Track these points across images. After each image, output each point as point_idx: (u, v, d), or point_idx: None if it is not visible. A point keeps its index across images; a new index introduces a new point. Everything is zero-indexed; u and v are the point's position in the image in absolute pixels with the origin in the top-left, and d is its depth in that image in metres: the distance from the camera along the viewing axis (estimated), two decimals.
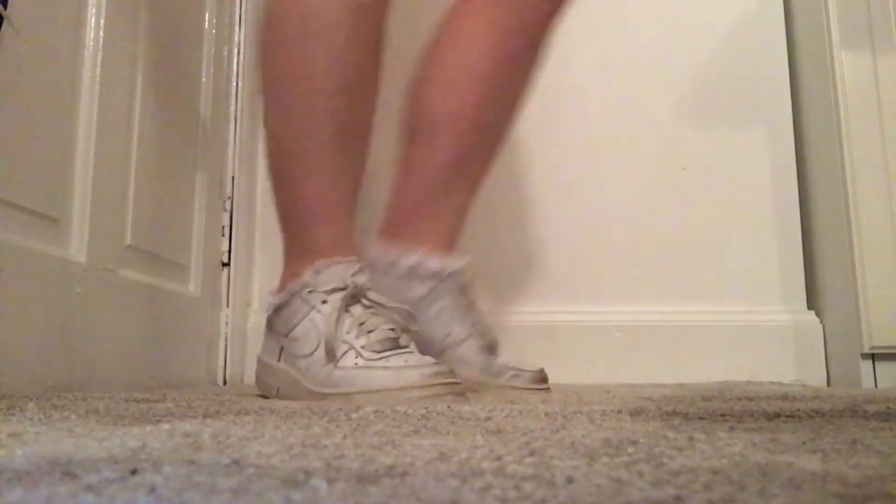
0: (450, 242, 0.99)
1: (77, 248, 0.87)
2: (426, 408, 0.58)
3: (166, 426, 0.43)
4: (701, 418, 0.51)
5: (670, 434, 0.40)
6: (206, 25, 1.26)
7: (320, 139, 0.85)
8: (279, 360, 0.84)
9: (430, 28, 1.05)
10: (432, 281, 0.95)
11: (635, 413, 0.53)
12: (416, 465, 0.30)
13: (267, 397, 0.83)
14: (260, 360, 0.88)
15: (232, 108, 1.34)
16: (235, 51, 1.36)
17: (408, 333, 0.83)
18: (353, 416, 0.51)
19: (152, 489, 0.25)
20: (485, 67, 0.97)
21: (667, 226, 1.38)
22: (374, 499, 0.24)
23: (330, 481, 0.26)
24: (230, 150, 1.33)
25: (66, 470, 0.28)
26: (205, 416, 0.51)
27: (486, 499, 0.24)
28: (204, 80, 1.25)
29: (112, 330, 0.93)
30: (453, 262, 0.97)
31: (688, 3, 1.45)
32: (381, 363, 0.77)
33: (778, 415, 0.52)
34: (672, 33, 1.44)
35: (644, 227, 1.39)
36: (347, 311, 0.81)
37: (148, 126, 1.04)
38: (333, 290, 0.81)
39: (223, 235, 1.30)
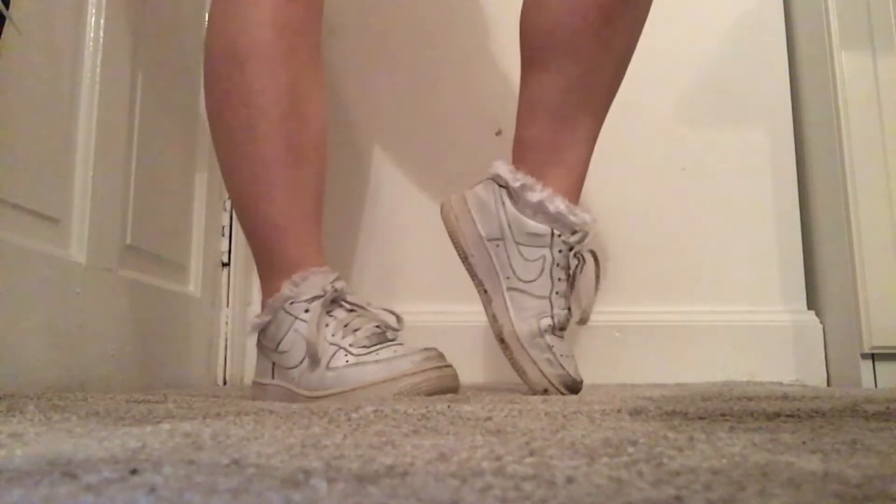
0: (577, 184, 0.91)
1: (77, 248, 0.87)
2: (426, 407, 0.58)
3: (166, 426, 0.43)
4: (701, 418, 0.51)
5: (670, 434, 0.40)
6: (207, 25, 1.26)
7: (269, 162, 0.85)
8: (273, 378, 0.84)
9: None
10: (552, 224, 0.87)
11: (635, 413, 0.53)
12: (416, 465, 0.30)
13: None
14: (254, 384, 0.88)
15: None
16: None
17: (393, 332, 0.84)
18: (353, 416, 0.52)
19: (152, 489, 0.25)
20: None
21: (667, 226, 1.38)
22: (374, 499, 0.24)
23: (330, 481, 0.26)
24: None
25: (66, 470, 0.28)
26: (205, 417, 0.51)
27: (486, 499, 0.24)
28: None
29: (112, 330, 0.93)
30: (580, 216, 0.88)
31: (688, 4, 1.45)
32: (371, 357, 0.78)
33: (778, 415, 0.52)
34: (672, 33, 1.44)
35: (644, 228, 1.39)
36: (330, 315, 0.82)
37: (148, 126, 1.04)
38: (314, 298, 0.82)
39: (223, 235, 1.30)
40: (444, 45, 1.46)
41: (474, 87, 1.43)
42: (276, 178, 0.85)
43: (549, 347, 0.84)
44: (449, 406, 0.59)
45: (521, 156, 0.91)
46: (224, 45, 0.87)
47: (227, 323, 1.29)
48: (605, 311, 1.36)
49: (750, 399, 0.70)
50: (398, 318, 0.86)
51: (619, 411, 0.55)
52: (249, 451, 0.34)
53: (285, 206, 0.86)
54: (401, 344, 0.81)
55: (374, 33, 1.45)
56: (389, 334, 0.82)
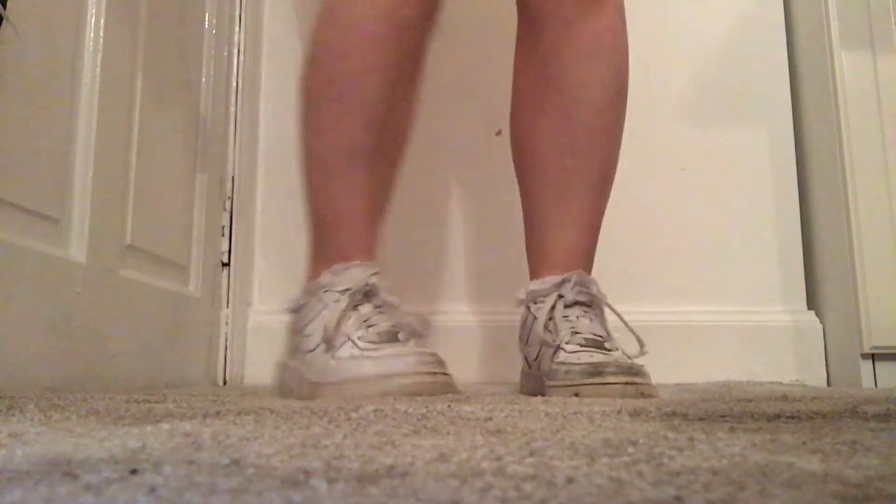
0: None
1: (77, 248, 0.87)
2: (426, 407, 0.58)
3: (166, 426, 0.43)
4: (701, 419, 0.51)
5: (670, 434, 0.40)
6: (206, 25, 1.26)
7: (348, 156, 0.88)
8: (294, 358, 0.87)
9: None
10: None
11: (635, 413, 0.53)
12: (416, 466, 0.30)
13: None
14: (278, 363, 0.91)
15: (232, 108, 1.34)
16: (235, 51, 1.36)
17: (421, 338, 0.85)
18: (353, 415, 0.52)
19: (152, 489, 0.25)
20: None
21: (667, 226, 1.38)
22: (374, 499, 0.24)
23: (330, 481, 0.26)
24: (230, 150, 1.33)
25: (66, 470, 0.28)
26: (205, 416, 0.51)
27: (486, 499, 0.24)
28: (204, 80, 1.25)
29: (112, 330, 0.93)
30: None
31: (688, 4, 1.45)
32: (373, 353, 0.79)
33: (778, 415, 0.52)
34: (672, 33, 1.44)
35: (644, 228, 1.39)
36: (357, 308, 0.83)
37: (148, 126, 1.04)
38: (346, 290, 0.84)
39: (223, 235, 1.30)
40: (445, 45, 1.46)
41: (474, 87, 1.43)
42: (350, 173, 0.88)
43: None
44: (449, 406, 0.59)
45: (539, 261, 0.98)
46: (340, 35, 0.88)
47: (227, 323, 1.29)
48: (605, 312, 1.36)
49: (750, 399, 0.70)
50: (425, 323, 0.88)
51: (619, 412, 0.55)
52: (249, 451, 0.34)
53: (351, 200, 0.88)
54: (407, 346, 0.82)
55: None
56: (402, 335, 0.83)
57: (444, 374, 0.80)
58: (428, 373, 0.78)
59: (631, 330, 0.93)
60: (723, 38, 1.43)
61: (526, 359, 0.96)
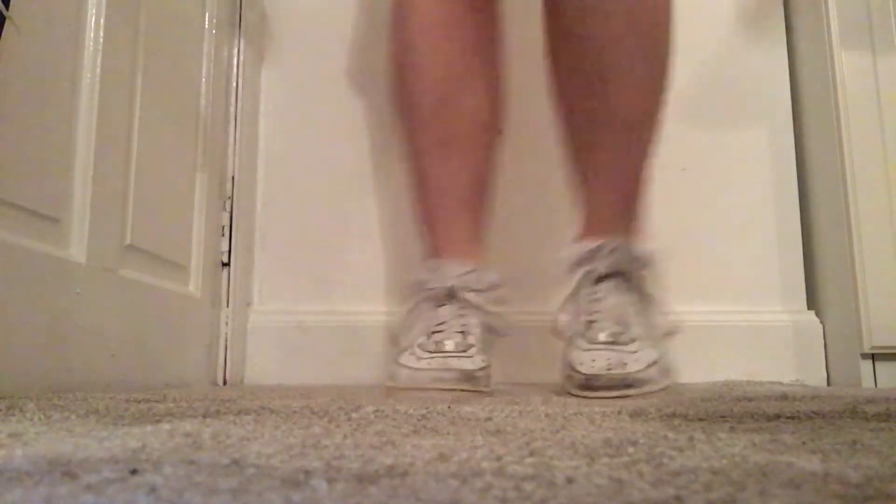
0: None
1: (77, 248, 0.87)
2: (426, 408, 0.58)
3: (166, 426, 0.43)
4: (701, 419, 0.51)
5: (670, 434, 0.40)
6: (206, 25, 1.26)
7: (421, 153, 0.92)
8: None
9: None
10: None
11: (635, 413, 0.53)
12: (416, 466, 0.30)
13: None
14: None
15: (232, 108, 1.34)
16: (235, 51, 1.36)
17: (501, 337, 0.87)
18: (353, 415, 0.52)
19: (152, 489, 0.25)
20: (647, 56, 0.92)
21: (667, 226, 1.38)
22: (374, 499, 0.24)
23: (330, 481, 0.26)
24: (230, 150, 1.33)
25: (66, 470, 0.28)
26: (205, 416, 0.51)
27: (486, 499, 0.24)
28: (204, 80, 1.25)
29: (112, 330, 0.93)
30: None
31: (688, 3, 1.45)
32: (424, 363, 0.82)
33: (778, 415, 0.52)
34: None
35: (644, 227, 1.38)
36: (436, 311, 0.86)
37: (148, 126, 1.04)
38: (433, 289, 0.88)
39: (223, 235, 1.30)
40: None
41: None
42: (427, 169, 0.91)
43: None
44: (449, 406, 0.59)
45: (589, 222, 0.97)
46: (392, 44, 0.93)
47: (227, 323, 1.29)
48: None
49: (750, 399, 0.70)
50: (507, 324, 0.90)
51: (619, 412, 0.55)
52: (249, 451, 0.34)
53: (434, 196, 0.92)
54: (442, 357, 0.84)
55: (373, 32, 1.45)
56: (451, 344, 0.85)
57: (479, 391, 0.82)
58: (468, 390, 0.81)
59: (662, 317, 0.92)
60: (723, 37, 1.43)
61: None
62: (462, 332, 0.84)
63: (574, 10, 0.89)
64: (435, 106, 0.90)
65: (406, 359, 0.83)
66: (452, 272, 0.87)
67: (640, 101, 0.93)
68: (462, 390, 0.80)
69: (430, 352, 0.83)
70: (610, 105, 0.91)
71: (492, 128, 0.95)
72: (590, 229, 0.92)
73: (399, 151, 0.98)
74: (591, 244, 0.89)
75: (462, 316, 0.85)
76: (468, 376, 0.81)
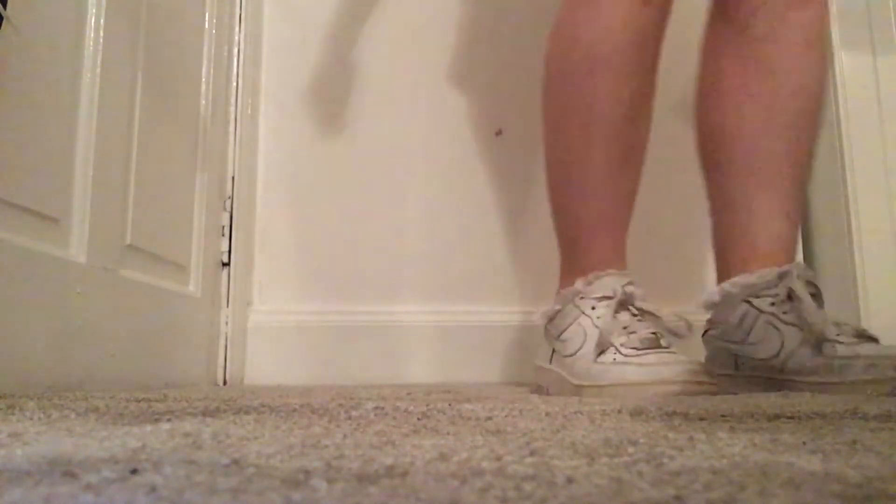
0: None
1: (77, 248, 0.87)
2: (426, 406, 0.58)
3: (166, 426, 0.43)
4: (701, 418, 0.51)
5: (670, 434, 0.40)
6: (206, 25, 1.26)
7: (598, 167, 0.90)
8: (550, 363, 0.92)
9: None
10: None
11: (635, 413, 0.53)
12: (416, 465, 0.30)
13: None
14: (538, 367, 0.96)
15: (232, 108, 1.34)
16: (235, 51, 1.36)
17: (679, 339, 0.88)
18: (354, 414, 0.52)
19: (152, 489, 0.25)
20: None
21: (667, 226, 1.38)
22: (374, 499, 0.24)
23: (330, 481, 0.26)
24: (230, 150, 1.33)
25: (66, 470, 0.28)
26: (205, 416, 0.51)
27: (486, 499, 0.24)
28: (204, 80, 1.25)
29: (112, 330, 0.93)
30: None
31: (688, 3, 1.45)
32: (636, 360, 0.82)
33: (778, 415, 0.52)
34: (672, 33, 1.43)
35: (643, 227, 1.38)
36: (614, 317, 0.86)
37: (148, 126, 1.04)
38: (603, 298, 0.87)
39: (223, 235, 1.30)
40: (445, 45, 1.46)
41: (474, 87, 1.43)
42: (602, 182, 0.90)
43: None
44: (449, 405, 0.59)
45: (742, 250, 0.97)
46: (583, 48, 0.89)
47: (227, 323, 1.29)
48: None
49: (750, 399, 0.70)
50: (688, 326, 0.90)
51: (619, 411, 0.55)
52: (249, 450, 0.34)
53: (602, 209, 0.91)
54: (673, 353, 0.83)
55: (373, 32, 1.45)
56: (664, 341, 0.85)
57: (711, 383, 0.81)
58: (695, 382, 0.79)
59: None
60: None
61: (734, 358, 0.95)
62: (654, 334, 0.85)
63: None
64: (630, 119, 0.90)
65: (608, 357, 0.83)
66: (616, 283, 0.88)
67: (818, 139, 0.97)
68: (699, 383, 0.79)
69: (639, 349, 0.82)
70: (800, 147, 0.95)
71: (649, 139, 0.96)
72: (763, 258, 0.92)
73: (551, 164, 0.94)
74: (775, 270, 0.90)
75: (641, 321, 0.87)
76: (703, 370, 0.82)
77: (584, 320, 0.87)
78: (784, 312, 0.88)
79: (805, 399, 0.71)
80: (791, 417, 0.51)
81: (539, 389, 0.93)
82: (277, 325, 1.37)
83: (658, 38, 0.91)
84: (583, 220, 0.92)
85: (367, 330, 1.35)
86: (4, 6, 0.73)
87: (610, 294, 0.87)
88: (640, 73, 0.90)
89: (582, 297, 0.89)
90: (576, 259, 0.92)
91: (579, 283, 0.89)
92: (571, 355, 0.87)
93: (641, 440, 0.38)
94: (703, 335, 0.97)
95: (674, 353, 0.83)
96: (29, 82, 0.80)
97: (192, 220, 1.20)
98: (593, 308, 0.87)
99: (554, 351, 0.91)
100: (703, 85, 1.00)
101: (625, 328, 0.85)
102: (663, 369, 0.80)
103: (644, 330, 0.85)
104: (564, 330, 0.89)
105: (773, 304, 0.87)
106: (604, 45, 0.88)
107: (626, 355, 0.83)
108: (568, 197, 0.93)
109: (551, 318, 0.92)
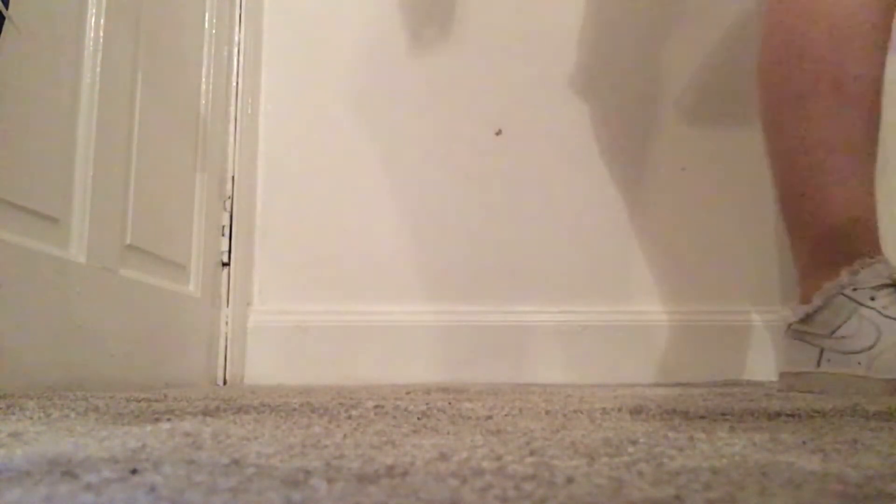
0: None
1: (77, 248, 0.87)
2: (426, 405, 0.58)
3: (166, 426, 0.43)
4: (701, 418, 0.51)
5: (670, 434, 0.40)
6: (206, 25, 1.26)
7: (855, 150, 0.85)
8: (818, 366, 0.87)
9: None
10: None
11: (635, 413, 0.53)
12: (416, 465, 0.30)
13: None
14: (787, 374, 0.91)
15: (232, 108, 1.34)
16: (235, 51, 1.36)
17: None
18: (353, 414, 0.52)
19: (152, 488, 0.25)
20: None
21: (666, 226, 1.38)
22: (374, 498, 0.24)
23: (330, 481, 0.26)
24: (230, 150, 1.33)
25: (66, 470, 0.28)
26: (205, 416, 0.51)
27: (486, 498, 0.24)
28: (204, 80, 1.25)
29: (112, 330, 0.93)
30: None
31: (688, 3, 1.45)
32: None
33: (778, 414, 0.52)
34: (671, 33, 1.44)
35: (644, 228, 1.39)
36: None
37: (148, 126, 1.04)
38: (880, 287, 0.83)
39: (223, 235, 1.30)
40: (444, 45, 1.46)
41: (474, 87, 1.43)
42: (857, 167, 0.85)
43: None
44: (449, 404, 0.59)
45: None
46: (826, 27, 0.84)
47: (227, 323, 1.29)
48: (605, 311, 1.36)
49: (750, 399, 0.70)
50: None
51: (619, 411, 0.55)
52: (249, 450, 0.34)
53: (861, 195, 0.86)
54: None
55: (373, 32, 1.45)
56: None
57: None
58: None
59: None
60: (723, 37, 1.43)
61: (819, 352, 0.90)
62: None
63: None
64: (874, 99, 0.84)
65: None
66: (888, 269, 0.84)
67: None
68: None
69: None
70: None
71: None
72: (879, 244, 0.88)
73: (784, 149, 0.89)
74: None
75: None
76: None
77: (866, 312, 0.83)
78: (884, 307, 0.84)
79: (805, 398, 0.71)
80: (791, 416, 0.51)
81: (823, 393, 0.86)
82: (277, 325, 1.37)
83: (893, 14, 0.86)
84: (841, 207, 0.86)
85: (366, 330, 1.35)
86: (6, 6, 0.73)
87: (887, 281, 0.83)
88: (885, 51, 0.85)
89: (855, 289, 0.84)
90: (834, 250, 0.87)
91: (845, 275, 0.85)
92: (868, 349, 0.82)
93: (641, 440, 0.38)
94: (788, 328, 0.94)
95: None
96: (29, 82, 0.80)
97: (192, 219, 1.20)
98: (872, 298, 0.83)
99: (823, 351, 0.87)
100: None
101: None
102: None
103: None
104: (839, 326, 0.85)
105: (872, 297, 0.83)
106: (849, 23, 0.84)
107: None
108: (816, 184, 0.86)
109: (809, 319, 0.88)
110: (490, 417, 0.50)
